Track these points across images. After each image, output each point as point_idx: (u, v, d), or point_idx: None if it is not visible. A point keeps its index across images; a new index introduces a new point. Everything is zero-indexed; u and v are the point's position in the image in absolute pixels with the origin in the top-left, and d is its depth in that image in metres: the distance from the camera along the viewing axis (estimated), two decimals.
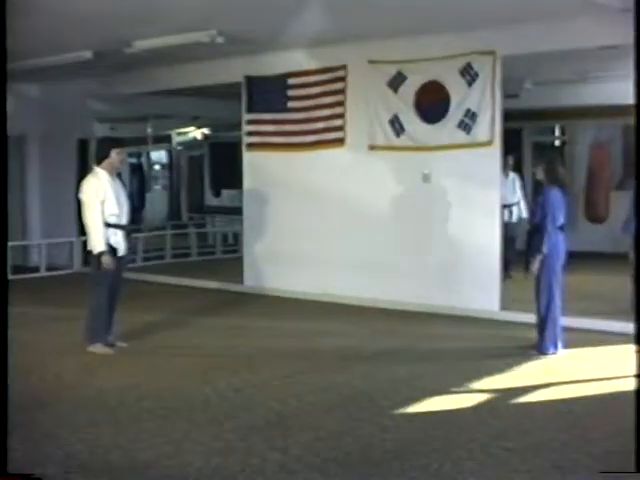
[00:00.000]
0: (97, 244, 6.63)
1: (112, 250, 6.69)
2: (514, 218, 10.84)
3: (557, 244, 6.59)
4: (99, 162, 6.81)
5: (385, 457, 4.34)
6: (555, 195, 6.61)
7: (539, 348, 6.68)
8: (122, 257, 6.85)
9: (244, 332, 7.77)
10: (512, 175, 10.92)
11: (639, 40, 3.81)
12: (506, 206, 10.40)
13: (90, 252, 6.75)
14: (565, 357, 6.66)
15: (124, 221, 6.82)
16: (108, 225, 6.68)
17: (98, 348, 6.76)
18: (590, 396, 5.56)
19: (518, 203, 11.01)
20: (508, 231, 10.46)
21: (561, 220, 6.60)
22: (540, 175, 6.74)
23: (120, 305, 7.01)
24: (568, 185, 6.81)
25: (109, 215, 6.69)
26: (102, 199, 6.65)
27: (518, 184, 11.11)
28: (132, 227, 6.98)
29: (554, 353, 6.64)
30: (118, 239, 6.75)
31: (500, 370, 6.21)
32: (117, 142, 7.01)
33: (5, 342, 3.59)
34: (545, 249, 6.52)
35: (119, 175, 7.07)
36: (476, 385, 5.83)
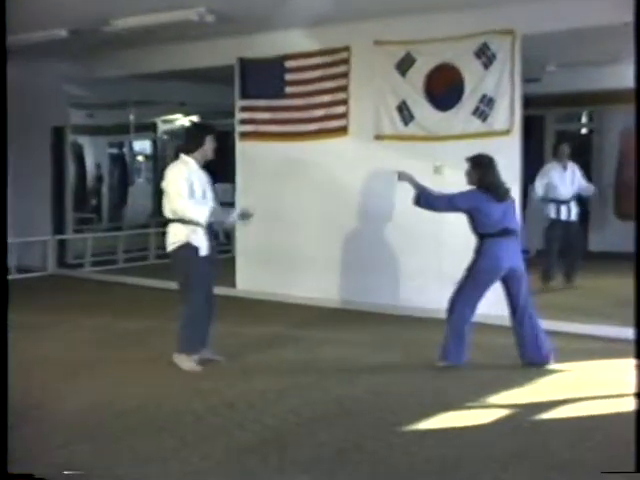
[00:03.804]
0: (200, 216, 6.47)
1: (194, 248, 6.57)
2: (573, 216, 10.52)
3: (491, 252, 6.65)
4: (188, 151, 6.68)
5: (392, 478, 4.38)
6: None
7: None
8: (207, 257, 6.67)
9: (237, 341, 7.79)
10: (571, 166, 10.61)
11: (639, 39, 3.95)
12: (562, 202, 10.41)
13: (174, 254, 6.64)
14: (595, 369, 6.70)
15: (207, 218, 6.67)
16: (185, 222, 6.55)
17: (183, 361, 6.66)
18: (622, 413, 5.54)
19: (575, 199, 10.62)
20: (561, 231, 10.40)
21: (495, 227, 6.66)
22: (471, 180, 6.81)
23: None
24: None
25: None
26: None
27: (579, 176, 10.65)
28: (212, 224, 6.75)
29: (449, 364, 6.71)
30: (198, 237, 6.59)
31: (519, 383, 6.26)
32: (209, 128, 6.97)
33: (5, 342, 3.73)
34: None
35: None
36: (493, 399, 5.87)
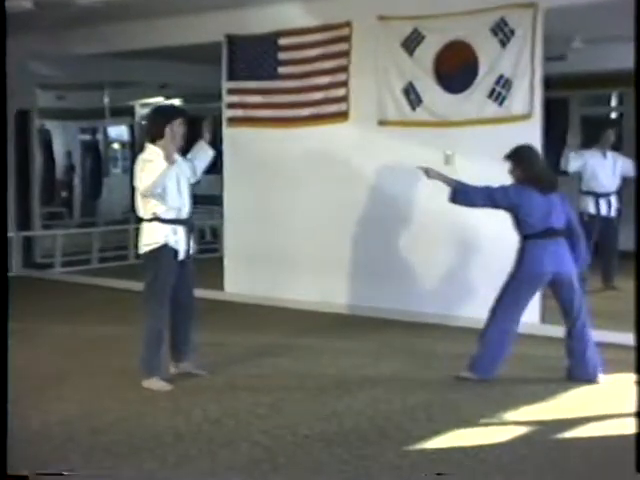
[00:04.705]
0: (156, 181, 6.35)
1: (173, 251, 6.54)
2: (613, 211, 10.48)
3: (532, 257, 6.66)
4: (152, 139, 6.58)
5: None
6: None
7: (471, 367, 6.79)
8: (184, 261, 6.65)
9: (224, 350, 7.83)
10: (611, 155, 10.54)
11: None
12: (602, 195, 10.37)
13: (148, 256, 6.58)
14: (627, 383, 6.71)
15: (185, 215, 6.66)
16: (165, 221, 6.51)
17: (154, 383, 6.55)
18: None
19: (617, 192, 10.53)
20: (598, 228, 10.31)
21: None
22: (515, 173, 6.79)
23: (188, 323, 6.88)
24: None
25: (168, 209, 6.51)
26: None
27: (620, 167, 10.51)
28: (192, 221, 6.77)
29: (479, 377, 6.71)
30: (178, 238, 6.56)
31: (541, 397, 6.29)
32: (174, 111, 6.96)
33: (5, 343, 3.90)
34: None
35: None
36: (511, 415, 5.90)
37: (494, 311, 6.76)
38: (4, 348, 3.88)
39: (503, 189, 6.69)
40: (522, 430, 5.60)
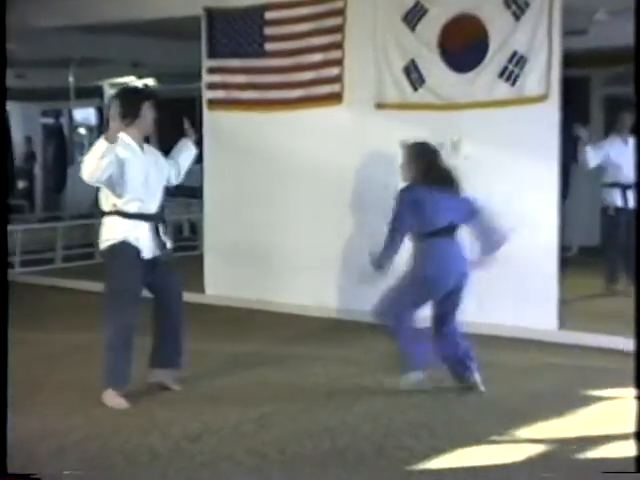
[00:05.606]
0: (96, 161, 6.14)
1: (134, 249, 6.52)
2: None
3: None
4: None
5: None
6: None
7: None
8: (153, 260, 6.65)
9: (204, 359, 7.85)
10: (632, 141, 10.50)
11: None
12: (628, 186, 10.39)
13: (106, 253, 6.61)
14: None
15: (152, 209, 6.63)
16: (127, 215, 6.50)
17: (109, 397, 6.52)
18: None
19: None
20: (626, 222, 10.29)
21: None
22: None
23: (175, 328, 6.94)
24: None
25: (130, 200, 6.48)
26: (118, 174, 6.32)
27: None
28: (162, 216, 6.77)
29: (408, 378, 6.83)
30: (140, 235, 6.55)
31: (558, 412, 6.31)
32: (147, 92, 7.01)
33: (5, 344, 4.19)
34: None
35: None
36: (525, 432, 5.93)
37: (397, 312, 6.87)
38: (4, 352, 4.12)
39: (394, 214, 6.85)
40: (538, 449, 5.62)
